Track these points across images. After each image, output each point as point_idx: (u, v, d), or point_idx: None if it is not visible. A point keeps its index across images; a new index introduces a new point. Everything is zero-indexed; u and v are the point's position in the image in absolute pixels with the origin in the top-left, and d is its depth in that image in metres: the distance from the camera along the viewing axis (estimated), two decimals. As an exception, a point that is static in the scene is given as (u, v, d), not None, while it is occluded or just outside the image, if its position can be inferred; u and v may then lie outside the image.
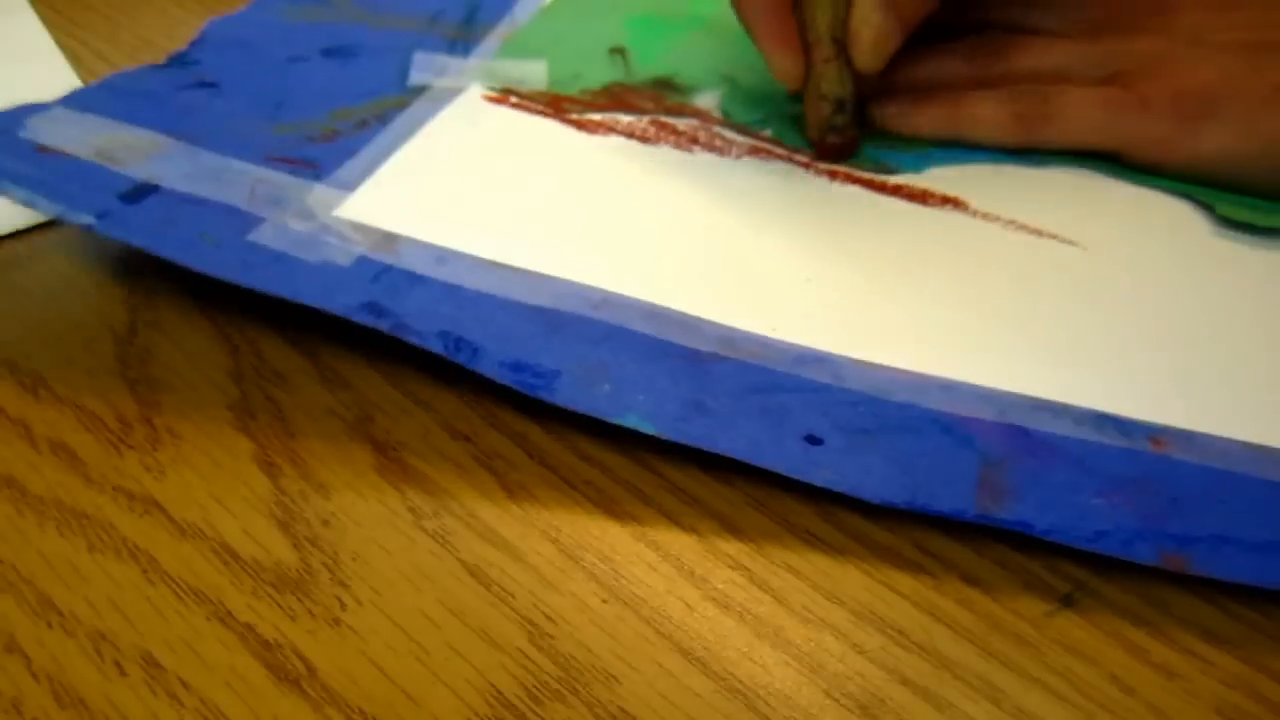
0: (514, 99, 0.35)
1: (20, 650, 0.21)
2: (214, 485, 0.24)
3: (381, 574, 0.22)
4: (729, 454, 0.24)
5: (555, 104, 0.35)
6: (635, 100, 0.35)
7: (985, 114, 0.33)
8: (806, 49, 0.32)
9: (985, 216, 0.31)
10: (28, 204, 0.27)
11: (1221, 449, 0.24)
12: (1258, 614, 0.22)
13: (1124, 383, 0.26)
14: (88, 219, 0.27)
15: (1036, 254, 0.30)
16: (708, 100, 0.36)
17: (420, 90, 0.35)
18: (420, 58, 0.37)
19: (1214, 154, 0.31)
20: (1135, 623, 0.22)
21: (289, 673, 0.21)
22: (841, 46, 0.31)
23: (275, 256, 0.27)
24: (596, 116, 0.34)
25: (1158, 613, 0.22)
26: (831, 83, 0.31)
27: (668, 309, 0.27)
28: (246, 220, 0.28)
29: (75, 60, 0.38)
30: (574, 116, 0.34)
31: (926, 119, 0.33)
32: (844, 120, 0.31)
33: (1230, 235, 0.30)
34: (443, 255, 0.28)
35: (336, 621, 0.22)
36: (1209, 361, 0.26)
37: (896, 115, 0.34)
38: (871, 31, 0.30)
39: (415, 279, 0.27)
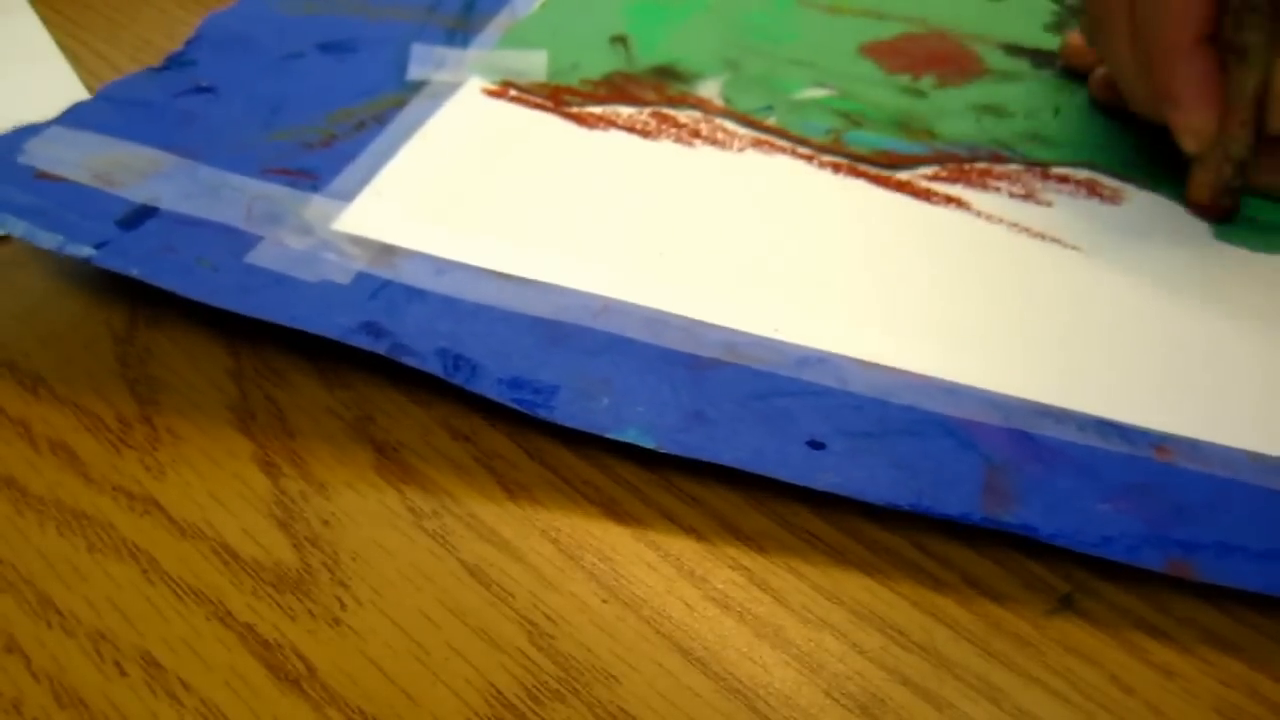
0: (513, 92, 0.35)
1: (20, 650, 0.21)
2: (214, 485, 0.24)
3: (381, 574, 0.22)
4: (731, 464, 0.24)
5: (555, 96, 0.35)
6: (636, 90, 0.35)
7: None
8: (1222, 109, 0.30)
9: (989, 218, 0.31)
10: (27, 237, 0.27)
11: (1225, 458, 0.24)
12: (1258, 615, 0.22)
13: (1128, 389, 0.26)
14: (87, 250, 0.27)
15: (1040, 257, 0.29)
16: (710, 88, 0.35)
17: (418, 86, 0.35)
18: (418, 50, 0.36)
19: None
20: (1135, 623, 0.22)
21: (289, 673, 0.21)
22: (1257, 108, 0.30)
23: (274, 278, 0.27)
24: (597, 110, 0.34)
25: (1158, 613, 0.22)
26: (1241, 146, 0.30)
27: (669, 315, 0.27)
28: (244, 240, 0.28)
29: (75, 60, 0.38)
30: (574, 110, 0.34)
31: None
32: (1240, 183, 0.30)
33: (1235, 241, 0.30)
34: (441, 266, 0.28)
35: (336, 621, 0.22)
36: (1213, 369, 0.26)
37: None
38: None
39: (414, 293, 0.27)
